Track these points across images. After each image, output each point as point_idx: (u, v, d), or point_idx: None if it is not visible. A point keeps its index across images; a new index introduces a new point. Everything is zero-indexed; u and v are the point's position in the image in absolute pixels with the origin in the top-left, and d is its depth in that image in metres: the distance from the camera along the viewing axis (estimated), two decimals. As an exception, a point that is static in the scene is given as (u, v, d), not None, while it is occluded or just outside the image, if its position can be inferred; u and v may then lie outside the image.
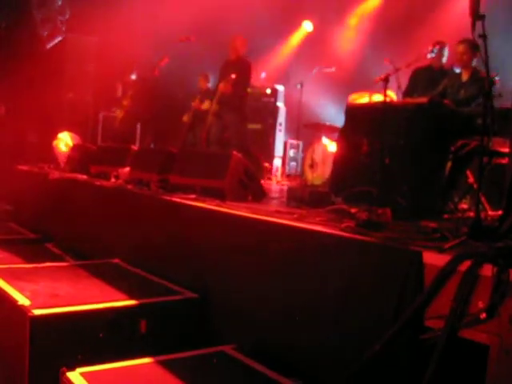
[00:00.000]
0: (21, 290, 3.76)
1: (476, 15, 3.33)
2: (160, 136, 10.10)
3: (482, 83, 5.21)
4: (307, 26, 12.26)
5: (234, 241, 4.00)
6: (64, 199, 6.73)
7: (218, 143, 8.00)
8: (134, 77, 10.56)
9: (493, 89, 3.63)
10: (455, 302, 2.38)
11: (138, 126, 10.88)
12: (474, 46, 5.70)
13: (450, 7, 9.58)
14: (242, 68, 7.98)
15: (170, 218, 4.81)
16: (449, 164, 4.75)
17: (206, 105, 8.31)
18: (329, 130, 9.33)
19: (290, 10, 11.39)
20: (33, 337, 3.25)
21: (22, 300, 3.53)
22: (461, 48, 5.88)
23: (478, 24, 3.39)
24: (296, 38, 12.43)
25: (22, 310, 3.39)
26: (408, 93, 7.23)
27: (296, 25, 12.23)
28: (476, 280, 2.39)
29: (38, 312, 3.33)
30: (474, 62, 5.84)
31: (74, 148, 8.43)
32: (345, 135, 5.18)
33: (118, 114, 10.42)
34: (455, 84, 5.93)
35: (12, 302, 3.56)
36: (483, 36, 3.38)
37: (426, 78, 7.19)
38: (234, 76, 7.67)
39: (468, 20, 3.38)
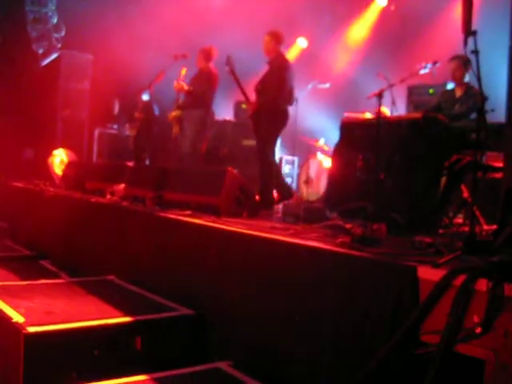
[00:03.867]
0: (15, 307, 3.74)
1: (468, 31, 3.36)
2: (155, 152, 10.10)
3: (476, 98, 5.25)
4: (302, 43, 12.32)
5: (230, 257, 3.99)
6: (59, 216, 6.72)
7: (190, 154, 7.92)
8: (146, 97, 10.51)
9: (486, 104, 3.65)
10: (450, 317, 2.38)
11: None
12: (466, 62, 5.75)
13: (444, 23, 9.64)
14: (207, 73, 7.96)
15: (166, 235, 4.81)
16: (443, 179, 4.77)
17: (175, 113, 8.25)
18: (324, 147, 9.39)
19: (284, 26, 11.44)
20: (27, 354, 3.23)
21: (17, 317, 3.51)
22: (453, 64, 5.94)
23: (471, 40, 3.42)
24: (291, 54, 12.47)
25: (16, 328, 3.37)
26: None
27: (290, 41, 12.28)
28: (471, 294, 2.39)
29: (32, 329, 3.31)
30: (467, 78, 5.88)
31: (70, 165, 8.44)
32: (340, 151, 5.20)
33: (131, 132, 10.37)
34: (449, 99, 5.96)
35: (6, 319, 3.54)
36: (475, 52, 3.40)
37: None
38: (180, 76, 7.72)
39: (460, 36, 3.41)
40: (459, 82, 5.96)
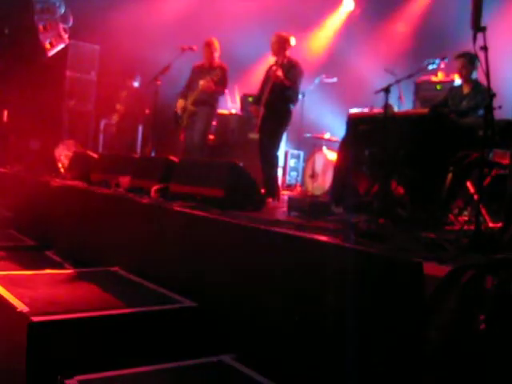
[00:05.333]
0: (20, 297, 3.74)
1: (477, 27, 3.34)
2: (161, 144, 10.11)
3: (484, 95, 5.23)
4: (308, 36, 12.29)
5: (234, 250, 3.99)
6: (64, 207, 6.73)
7: (199, 146, 7.99)
8: (136, 84, 10.53)
9: (493, 101, 3.63)
10: (455, 314, 2.38)
11: (140, 133, 10.88)
12: (472, 59, 5.71)
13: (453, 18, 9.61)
14: (222, 70, 7.98)
15: (170, 227, 4.81)
16: (449, 175, 4.76)
17: (179, 103, 8.25)
18: (330, 141, 9.38)
19: (291, 19, 11.44)
20: (31, 343, 3.24)
21: (21, 306, 3.52)
22: (459, 63, 5.90)
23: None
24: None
25: (20, 317, 3.38)
26: None
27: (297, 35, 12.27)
28: (476, 291, 2.39)
29: (36, 319, 3.32)
30: (475, 75, 5.85)
31: (75, 156, 8.44)
32: (346, 145, 5.20)
33: (114, 119, 10.42)
34: (457, 96, 5.93)
35: (11, 308, 3.55)
36: (484, 48, 3.39)
37: None
38: (215, 77, 7.71)
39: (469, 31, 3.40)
40: (466, 79, 5.93)
